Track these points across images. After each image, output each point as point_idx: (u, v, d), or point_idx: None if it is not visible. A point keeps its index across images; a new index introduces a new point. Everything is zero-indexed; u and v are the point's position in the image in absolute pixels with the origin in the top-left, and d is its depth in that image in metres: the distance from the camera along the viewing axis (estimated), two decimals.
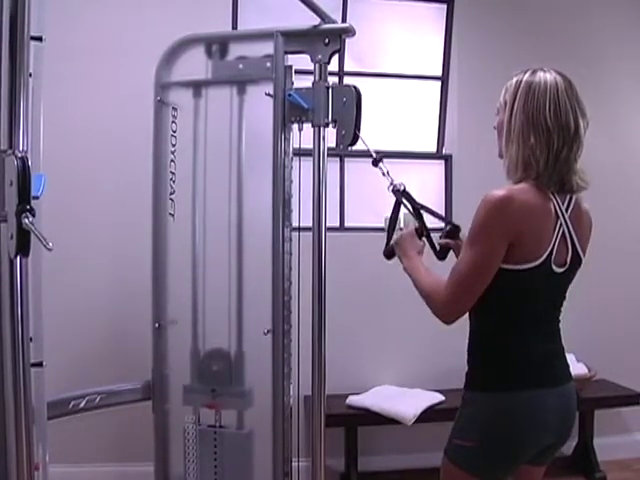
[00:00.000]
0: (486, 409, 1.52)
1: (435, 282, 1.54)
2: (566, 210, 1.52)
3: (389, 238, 1.83)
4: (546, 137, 1.47)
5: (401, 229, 1.84)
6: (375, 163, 1.93)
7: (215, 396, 2.21)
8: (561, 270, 1.50)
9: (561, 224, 1.50)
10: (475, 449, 1.50)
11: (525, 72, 1.54)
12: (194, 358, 2.26)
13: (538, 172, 1.48)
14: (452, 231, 1.83)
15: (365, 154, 2.01)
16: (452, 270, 1.50)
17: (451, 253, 1.81)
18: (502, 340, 1.52)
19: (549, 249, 1.47)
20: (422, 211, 1.84)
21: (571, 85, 1.52)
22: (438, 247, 1.80)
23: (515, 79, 1.55)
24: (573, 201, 1.54)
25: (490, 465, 1.51)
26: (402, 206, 1.85)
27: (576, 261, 1.54)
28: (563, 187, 1.51)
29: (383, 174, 1.91)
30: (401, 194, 1.86)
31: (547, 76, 1.51)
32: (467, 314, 1.54)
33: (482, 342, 1.54)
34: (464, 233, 1.76)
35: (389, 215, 1.87)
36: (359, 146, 2.01)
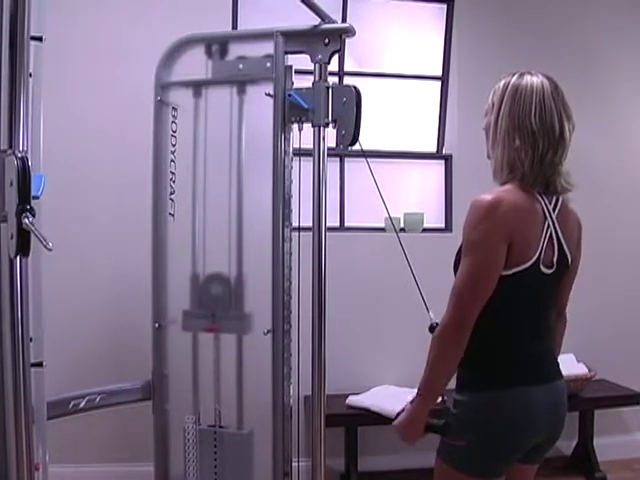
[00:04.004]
0: (475, 408, 1.52)
1: (429, 357, 1.49)
2: (553, 210, 1.53)
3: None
4: (531, 140, 1.49)
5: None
6: (433, 331, 1.64)
7: (215, 320, 2.21)
8: (549, 271, 1.51)
9: (549, 225, 1.51)
10: (466, 448, 1.50)
11: (513, 75, 1.56)
12: (194, 284, 2.25)
13: (523, 173, 1.50)
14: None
15: (366, 155, 2.01)
16: (453, 285, 1.49)
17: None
18: (491, 341, 1.52)
19: (538, 250, 1.48)
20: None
21: (557, 89, 1.53)
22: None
23: (503, 82, 1.56)
24: (560, 202, 1.55)
25: (482, 463, 1.52)
26: None
27: (563, 262, 1.54)
28: (547, 188, 1.52)
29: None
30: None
31: (534, 79, 1.52)
32: None
33: (471, 344, 1.54)
34: None
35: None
36: (358, 146, 2.01)
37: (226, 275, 2.23)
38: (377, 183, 2.00)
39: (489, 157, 1.60)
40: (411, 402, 1.56)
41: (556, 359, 1.63)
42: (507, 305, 1.50)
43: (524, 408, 1.49)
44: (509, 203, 1.45)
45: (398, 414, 1.62)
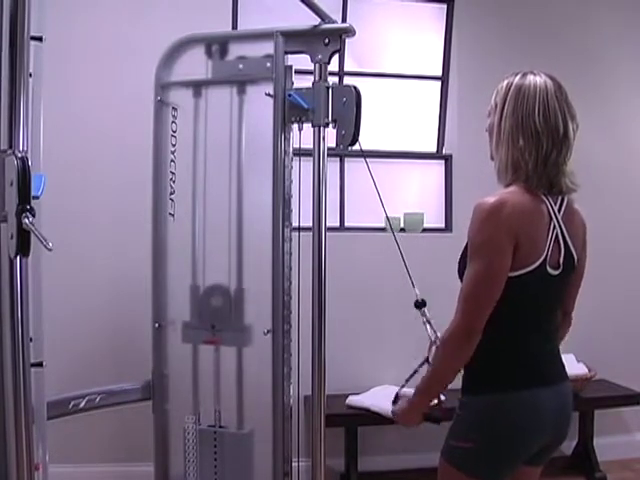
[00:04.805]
0: (482, 410, 1.52)
1: (435, 359, 1.52)
2: (558, 211, 1.52)
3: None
4: (535, 140, 1.48)
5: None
6: (418, 306, 1.74)
7: (215, 332, 2.20)
8: (556, 272, 1.50)
9: (554, 226, 1.50)
10: (471, 450, 1.50)
11: (516, 75, 1.55)
12: (194, 295, 2.25)
13: (527, 174, 1.49)
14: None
15: (365, 155, 2.01)
16: (460, 291, 1.48)
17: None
18: (497, 343, 1.51)
19: (544, 252, 1.47)
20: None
21: (561, 88, 1.52)
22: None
23: (505, 82, 1.55)
24: (565, 202, 1.55)
25: (487, 465, 1.51)
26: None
27: (570, 262, 1.53)
28: (552, 189, 1.51)
29: (424, 322, 1.77)
30: None
31: (537, 79, 1.51)
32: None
33: (477, 346, 1.54)
34: None
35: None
36: (356, 147, 2.01)
37: (226, 286, 2.22)
38: (376, 183, 2.00)
39: (492, 158, 1.59)
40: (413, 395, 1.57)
41: (562, 360, 1.61)
42: (513, 307, 1.49)
43: (530, 410, 1.49)
44: (513, 205, 1.44)
45: (396, 397, 1.66)
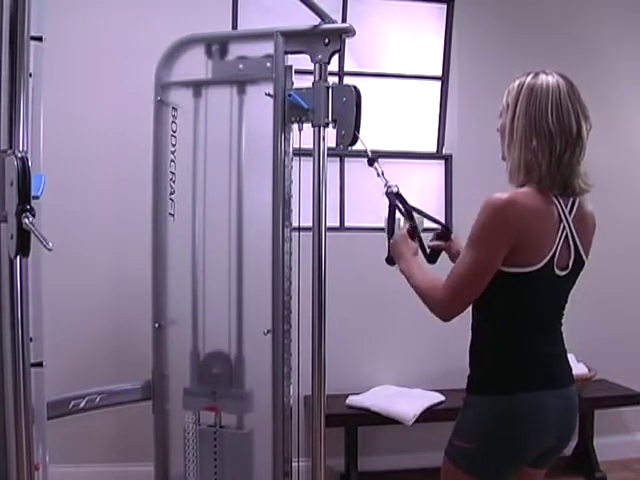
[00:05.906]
0: (487, 411, 1.51)
1: (432, 281, 1.55)
2: (569, 213, 1.51)
3: (389, 243, 1.82)
4: (548, 140, 1.47)
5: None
6: (370, 163, 1.91)
7: (215, 398, 2.21)
8: (563, 273, 1.50)
9: (564, 227, 1.50)
10: (475, 450, 1.50)
11: (527, 75, 1.53)
12: (194, 360, 2.26)
13: (540, 175, 1.48)
14: (443, 233, 1.83)
15: (364, 154, 2.01)
16: (451, 270, 1.50)
17: (444, 255, 1.81)
18: (504, 343, 1.51)
19: (551, 252, 1.47)
20: (416, 213, 1.83)
21: (573, 88, 1.51)
22: (428, 250, 1.80)
23: (517, 82, 1.54)
24: (577, 203, 1.54)
25: (490, 466, 1.51)
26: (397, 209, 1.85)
27: (578, 264, 1.53)
28: (565, 190, 1.50)
29: (378, 175, 1.90)
30: (394, 196, 1.85)
31: (549, 79, 1.50)
32: (470, 315, 1.55)
33: (484, 345, 1.54)
34: (456, 234, 1.77)
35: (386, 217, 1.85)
36: (358, 146, 2.01)
37: (227, 353, 2.22)
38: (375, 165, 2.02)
39: (504, 159, 1.58)
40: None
41: (569, 363, 1.61)
42: (519, 307, 1.49)
43: (535, 413, 1.49)
44: (522, 204, 1.44)
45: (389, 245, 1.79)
